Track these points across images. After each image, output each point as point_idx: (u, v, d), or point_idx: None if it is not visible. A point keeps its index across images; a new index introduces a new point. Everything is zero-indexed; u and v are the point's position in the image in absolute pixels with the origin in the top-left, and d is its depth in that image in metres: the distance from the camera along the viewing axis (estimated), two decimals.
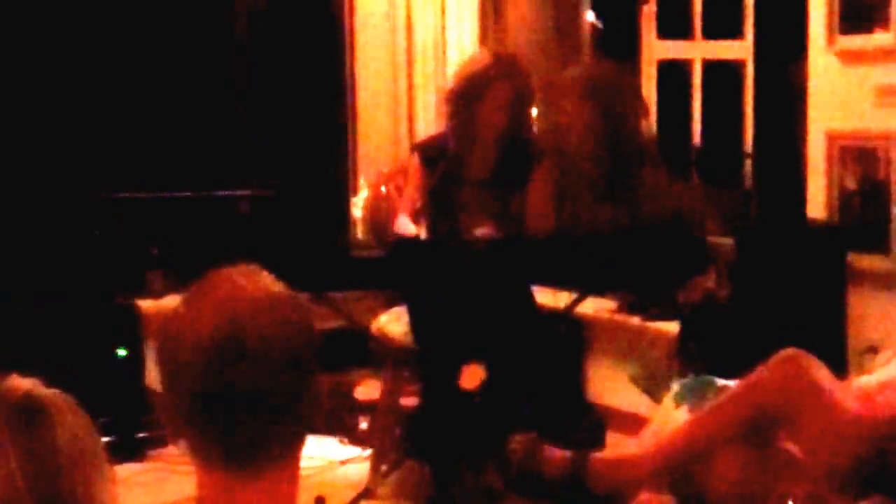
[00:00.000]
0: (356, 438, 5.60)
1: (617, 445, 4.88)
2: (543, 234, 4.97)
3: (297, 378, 1.65)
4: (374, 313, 5.27)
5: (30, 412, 1.61)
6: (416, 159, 5.16)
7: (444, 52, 6.45)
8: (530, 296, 4.95)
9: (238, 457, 1.64)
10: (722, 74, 6.55)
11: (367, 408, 5.56)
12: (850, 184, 5.07)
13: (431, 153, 5.09)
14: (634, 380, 5.26)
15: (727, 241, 5.31)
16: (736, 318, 4.89)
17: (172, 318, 1.67)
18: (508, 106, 4.93)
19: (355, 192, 6.17)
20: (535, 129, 5.31)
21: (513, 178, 4.99)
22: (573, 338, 5.93)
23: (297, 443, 1.68)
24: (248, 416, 1.62)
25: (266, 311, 1.64)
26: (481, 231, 4.86)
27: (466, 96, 4.96)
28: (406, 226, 5.02)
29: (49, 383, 1.70)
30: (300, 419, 1.67)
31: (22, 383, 1.67)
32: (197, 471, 1.68)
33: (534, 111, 5.25)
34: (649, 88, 6.47)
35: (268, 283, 1.68)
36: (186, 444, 1.67)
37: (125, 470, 5.02)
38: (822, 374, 3.56)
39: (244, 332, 1.62)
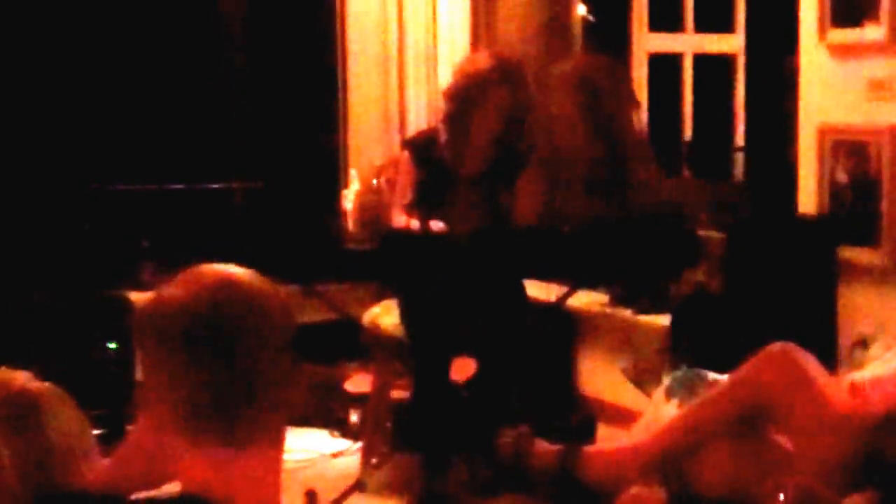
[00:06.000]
0: (347, 431, 5.60)
1: (608, 439, 4.89)
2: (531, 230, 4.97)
3: (276, 357, 1.67)
4: (365, 306, 5.27)
5: (22, 405, 1.61)
6: (406, 155, 5.14)
7: (435, 46, 6.44)
8: (521, 289, 4.96)
9: (217, 436, 1.63)
10: (713, 68, 6.56)
11: (358, 400, 5.56)
12: (842, 177, 5.07)
13: (422, 149, 5.07)
14: (625, 373, 5.26)
15: (718, 235, 5.32)
16: (727, 311, 4.90)
17: (151, 304, 1.67)
18: (505, 112, 4.88)
19: (346, 185, 6.16)
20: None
21: (504, 176, 4.97)
22: (564, 331, 5.93)
23: (279, 424, 1.70)
24: (228, 395, 1.63)
25: (243, 293, 1.67)
26: (472, 226, 4.86)
27: (464, 97, 4.91)
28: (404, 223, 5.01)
29: (41, 376, 1.70)
30: (281, 399, 1.68)
31: (14, 376, 1.67)
32: (178, 457, 1.67)
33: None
34: (640, 82, 6.47)
35: (240, 270, 1.71)
36: (168, 430, 1.66)
37: None
38: (812, 367, 3.57)
39: (222, 312, 1.63)
